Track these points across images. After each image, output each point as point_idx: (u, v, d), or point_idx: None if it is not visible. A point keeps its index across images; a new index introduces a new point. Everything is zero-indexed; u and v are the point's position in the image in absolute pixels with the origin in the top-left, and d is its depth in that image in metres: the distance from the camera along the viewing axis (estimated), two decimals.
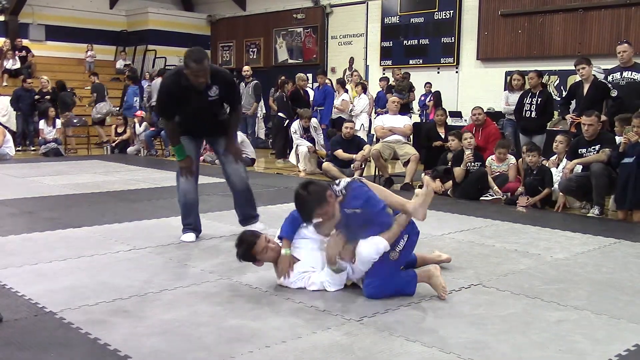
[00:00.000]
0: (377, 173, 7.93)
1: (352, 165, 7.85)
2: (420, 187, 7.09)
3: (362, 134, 9.80)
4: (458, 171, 6.53)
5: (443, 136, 7.70)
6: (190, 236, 4.20)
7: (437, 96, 11.65)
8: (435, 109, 8.53)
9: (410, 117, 10.41)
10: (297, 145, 9.06)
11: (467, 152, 6.51)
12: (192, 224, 4.26)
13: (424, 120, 11.49)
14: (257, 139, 12.34)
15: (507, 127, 8.21)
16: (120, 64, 15.69)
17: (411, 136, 9.18)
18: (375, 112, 10.94)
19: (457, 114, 10.63)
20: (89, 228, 4.45)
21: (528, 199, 5.99)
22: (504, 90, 9.02)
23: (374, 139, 10.91)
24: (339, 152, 7.97)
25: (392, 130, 7.65)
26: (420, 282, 3.08)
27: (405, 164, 7.44)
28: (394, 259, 3.01)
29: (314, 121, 9.21)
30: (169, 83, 3.85)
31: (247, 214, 4.42)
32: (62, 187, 6.86)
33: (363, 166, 7.94)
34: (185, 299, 2.99)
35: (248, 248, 3.12)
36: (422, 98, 11.95)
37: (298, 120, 9.18)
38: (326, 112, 10.18)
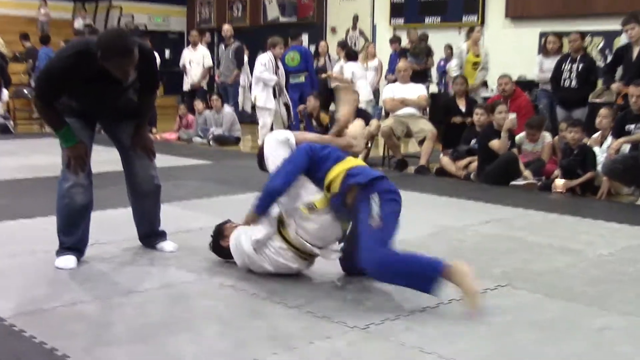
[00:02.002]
0: (386, 153, 7.93)
1: None
2: (439, 169, 7.10)
3: (368, 107, 9.77)
4: (497, 144, 6.43)
5: (464, 109, 7.70)
6: (68, 260, 3.51)
7: None
8: (456, 77, 8.50)
9: (428, 87, 10.42)
10: (263, 84, 8.98)
11: (512, 116, 6.44)
12: (75, 242, 3.58)
13: (442, 91, 11.46)
14: (242, 112, 12.31)
15: (541, 99, 8.19)
16: (79, 23, 15.57)
17: (427, 109, 9.18)
18: (386, 79, 10.91)
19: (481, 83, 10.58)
20: (44, 219, 4.44)
21: (565, 182, 5.98)
22: (538, 54, 8.98)
23: (383, 113, 10.95)
24: None
25: (404, 102, 7.63)
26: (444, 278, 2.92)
27: (421, 142, 7.43)
28: (376, 226, 2.97)
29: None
30: (73, 65, 3.26)
31: (153, 229, 3.92)
32: (11, 170, 6.85)
33: (369, 145, 7.92)
34: (157, 303, 2.99)
35: (216, 234, 3.26)
36: (441, 64, 11.89)
37: (267, 53, 9.09)
38: (313, 79, 10.08)
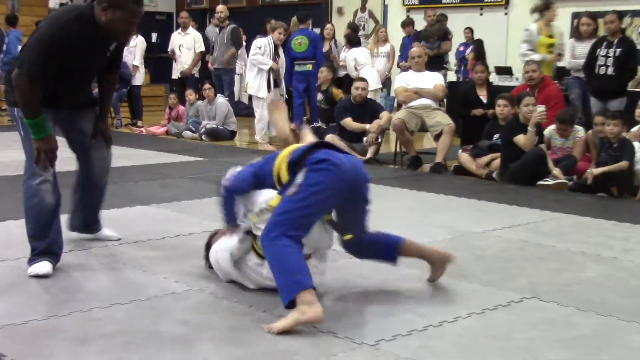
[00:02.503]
0: (398, 149, 7.92)
1: (364, 139, 7.85)
2: (457, 167, 7.10)
3: (376, 97, 9.78)
4: (523, 139, 6.42)
5: (485, 100, 7.68)
6: (42, 266, 3.52)
7: (479, 46, 11.58)
8: (476, 64, 8.49)
9: (445, 75, 10.41)
10: (257, 69, 9.03)
11: (541, 109, 6.41)
12: (48, 245, 3.60)
13: (462, 79, 11.44)
14: (238, 103, 12.31)
15: (573, 88, 8.16)
16: (54, 2, 15.61)
17: (445, 100, 9.16)
18: (398, 67, 10.91)
19: (505, 70, 10.57)
20: (16, 222, 4.45)
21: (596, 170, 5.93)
22: (570, 38, 8.95)
23: (395, 104, 10.93)
24: (348, 121, 7.96)
25: (419, 92, 7.63)
26: (407, 255, 3.36)
27: (437, 137, 7.42)
28: (289, 194, 3.00)
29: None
30: (67, 32, 3.36)
31: (95, 217, 4.13)
32: None
33: (379, 139, 7.93)
34: (143, 317, 3.00)
35: (207, 248, 3.37)
36: (461, 49, 11.87)
37: (267, 37, 9.15)
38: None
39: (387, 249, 3.37)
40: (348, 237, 3.27)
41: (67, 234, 4.22)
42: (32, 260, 3.58)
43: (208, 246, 3.59)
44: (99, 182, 4.01)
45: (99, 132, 3.87)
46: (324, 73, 9.06)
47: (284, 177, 3.15)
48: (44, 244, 3.60)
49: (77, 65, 3.53)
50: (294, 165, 3.11)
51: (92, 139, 3.85)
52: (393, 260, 3.41)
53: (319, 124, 8.97)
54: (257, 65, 9.16)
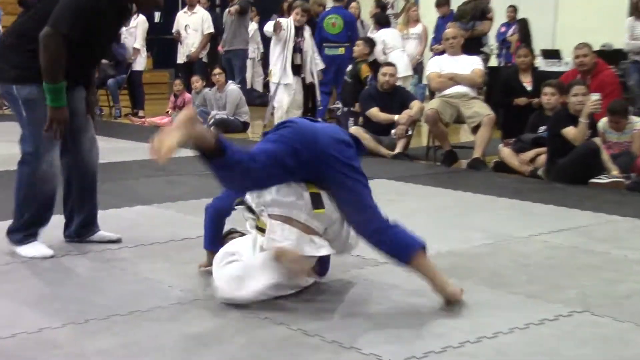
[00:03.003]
0: (431, 143, 7.90)
1: (392, 131, 7.83)
2: (497, 163, 7.06)
3: (407, 84, 9.78)
4: (573, 132, 6.37)
5: (530, 88, 7.65)
6: (44, 249, 3.95)
7: (523, 26, 11.52)
8: (520, 47, 8.45)
9: (487, 59, 10.36)
10: (280, 50, 9.10)
11: (595, 97, 6.36)
12: (38, 230, 3.99)
13: (503, 64, 11.39)
14: (252, 91, 12.37)
15: (632, 74, 8.12)
16: None
17: (484, 88, 9.11)
18: (431, 50, 10.88)
19: (552, 54, 10.51)
20: (3, 223, 4.49)
21: None
22: (628, 17, 8.88)
23: (427, 92, 10.90)
24: (374, 112, 7.96)
25: (455, 78, 7.61)
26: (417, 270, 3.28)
27: (475, 129, 7.40)
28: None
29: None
30: None
31: (93, 213, 4.25)
32: None
33: (409, 132, 7.91)
34: (144, 330, 3.01)
35: None
36: (502, 29, 11.82)
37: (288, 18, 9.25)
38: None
39: (402, 249, 3.30)
40: (318, 211, 3.25)
41: (59, 231, 4.27)
42: (24, 240, 3.95)
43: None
44: (90, 168, 4.17)
45: (92, 106, 4.21)
46: (360, 47, 9.13)
47: None
48: (38, 226, 3.99)
49: (95, 37, 3.82)
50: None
51: (87, 114, 4.14)
52: (403, 264, 3.34)
53: (338, 104, 9.02)
54: (268, 35, 9.23)
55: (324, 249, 3.32)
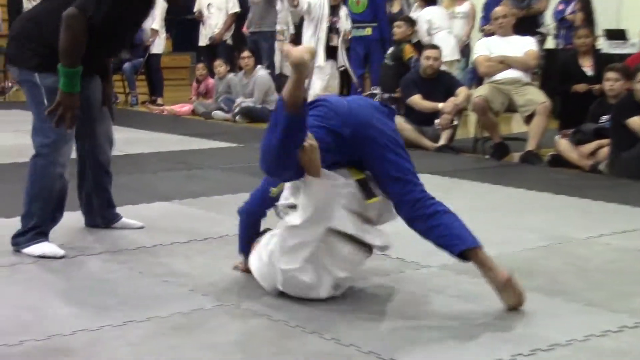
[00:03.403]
0: (479, 134, 7.86)
1: (436, 121, 7.80)
2: (554, 157, 7.01)
3: (452, 69, 9.73)
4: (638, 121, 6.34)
5: (591, 73, 7.56)
6: (55, 248, 4.04)
7: (584, 4, 11.38)
8: (580, 26, 8.36)
9: (544, 40, 10.26)
10: (314, 29, 9.12)
11: None
12: (47, 228, 4.13)
13: (562, 46, 11.27)
14: (281, 77, 12.36)
15: None
16: None
17: (539, 73, 9.02)
18: (481, 32, 10.81)
19: (618, 35, 10.37)
20: (7, 220, 4.55)
21: None
22: None
23: (475, 78, 10.82)
24: (416, 99, 7.93)
25: (506, 62, 7.55)
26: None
27: (529, 118, 7.34)
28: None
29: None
30: None
31: (110, 199, 4.55)
32: None
33: (455, 122, 7.87)
34: (163, 338, 3.02)
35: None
36: (560, 7, 11.69)
37: None
38: (384, 32, 10.10)
39: (448, 249, 3.34)
40: (372, 200, 3.31)
41: (70, 230, 4.32)
42: (33, 240, 4.01)
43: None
44: (107, 160, 4.43)
45: (109, 96, 4.38)
46: (401, 28, 9.05)
47: None
48: (50, 227, 4.11)
49: (119, 24, 3.98)
50: None
51: (103, 105, 4.32)
52: (456, 256, 3.35)
53: (376, 90, 8.98)
54: (301, 13, 9.22)
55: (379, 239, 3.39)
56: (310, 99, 9.14)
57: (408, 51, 8.93)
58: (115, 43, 4.28)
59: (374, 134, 3.29)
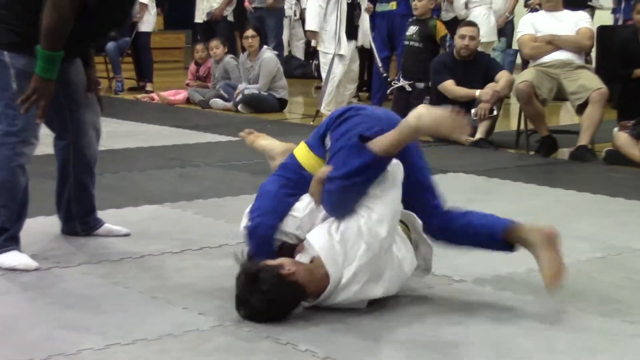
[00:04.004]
0: (523, 126, 7.83)
1: (472, 111, 7.77)
2: (611, 153, 6.99)
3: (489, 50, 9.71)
4: None
5: None
6: (24, 258, 4.04)
7: None
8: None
9: (592, 14, 10.22)
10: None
11: None
12: (16, 232, 4.12)
13: (621, 22, 11.24)
14: (290, 59, 12.38)
15: None
16: None
17: (593, 54, 8.99)
18: (526, 7, 10.80)
19: None
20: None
21: None
22: None
23: (519, 60, 10.80)
24: (449, 85, 7.92)
25: (554, 42, 7.53)
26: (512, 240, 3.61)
27: (581, 108, 7.32)
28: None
29: None
30: None
31: (92, 203, 4.56)
32: None
33: (495, 112, 7.84)
34: None
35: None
36: None
37: None
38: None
39: (490, 232, 3.63)
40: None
41: (45, 238, 4.32)
42: (2, 248, 4.00)
43: (254, 275, 3.51)
44: (92, 156, 4.45)
45: (93, 82, 4.42)
46: (422, 1, 8.89)
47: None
48: (15, 228, 4.06)
49: (111, 4, 4.03)
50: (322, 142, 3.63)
51: (89, 91, 4.36)
52: (503, 247, 3.70)
53: (400, 82, 8.86)
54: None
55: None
56: (329, 87, 9.13)
57: (440, 29, 8.84)
58: (107, 25, 4.30)
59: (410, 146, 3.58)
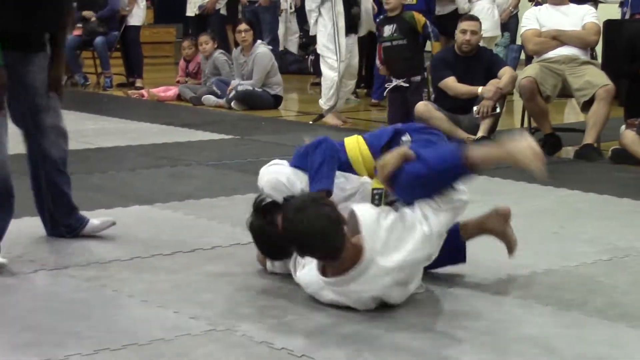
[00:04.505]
0: (526, 124, 7.84)
1: (474, 108, 7.78)
2: (617, 152, 7.00)
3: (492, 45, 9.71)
4: None
5: None
6: None
7: None
8: None
9: (595, 7, 10.22)
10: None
11: None
12: None
13: (628, 15, 11.24)
14: (285, 54, 12.38)
15: None
16: None
17: (599, 49, 9.00)
18: (529, 0, 10.81)
19: None
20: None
21: None
22: None
23: (522, 56, 10.81)
24: (450, 82, 7.91)
25: (559, 37, 7.54)
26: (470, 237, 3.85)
27: (587, 105, 7.32)
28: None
29: None
30: None
31: (71, 207, 4.51)
32: None
33: (498, 109, 7.84)
34: None
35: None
36: None
37: None
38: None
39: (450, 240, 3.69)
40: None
41: (29, 240, 4.32)
42: None
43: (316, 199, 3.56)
44: (57, 158, 4.37)
45: (55, 79, 4.27)
46: None
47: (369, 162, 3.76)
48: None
49: None
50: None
51: (50, 91, 4.26)
52: (462, 256, 3.88)
53: (394, 82, 8.71)
54: None
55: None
56: (327, 82, 9.09)
57: (419, 19, 8.51)
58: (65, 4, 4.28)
59: None
